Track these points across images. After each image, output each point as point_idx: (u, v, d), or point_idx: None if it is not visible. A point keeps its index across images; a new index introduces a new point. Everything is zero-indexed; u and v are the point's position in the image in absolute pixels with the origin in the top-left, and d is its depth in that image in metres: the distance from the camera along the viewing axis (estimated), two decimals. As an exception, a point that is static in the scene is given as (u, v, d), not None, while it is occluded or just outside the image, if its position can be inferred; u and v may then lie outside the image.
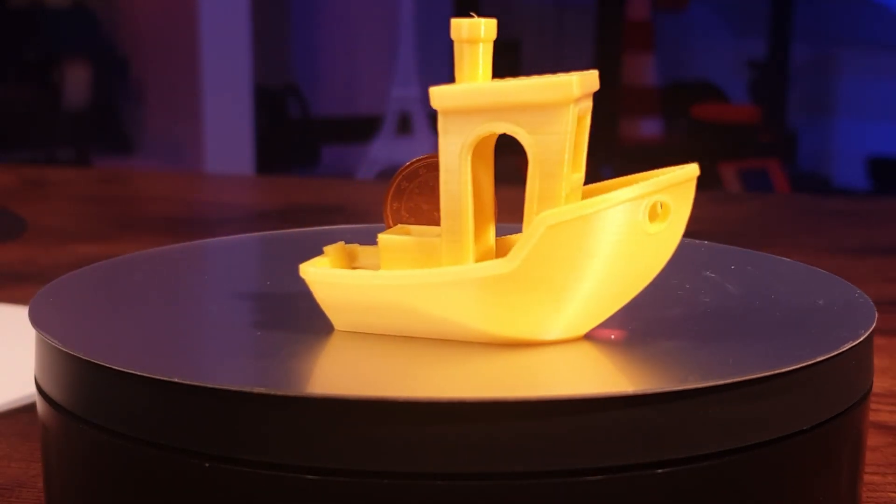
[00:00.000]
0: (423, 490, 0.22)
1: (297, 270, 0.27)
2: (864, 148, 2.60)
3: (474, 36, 0.25)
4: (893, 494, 0.33)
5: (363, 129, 2.59)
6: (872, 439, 0.36)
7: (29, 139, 2.28)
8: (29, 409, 0.38)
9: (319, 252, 0.33)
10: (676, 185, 0.25)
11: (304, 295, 0.29)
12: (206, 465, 0.22)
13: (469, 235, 0.26)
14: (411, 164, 0.28)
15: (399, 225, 0.28)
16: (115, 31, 2.53)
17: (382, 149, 2.50)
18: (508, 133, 0.25)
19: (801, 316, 0.28)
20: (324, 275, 0.26)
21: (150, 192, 0.92)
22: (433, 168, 0.28)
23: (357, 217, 0.75)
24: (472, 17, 0.25)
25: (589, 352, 0.25)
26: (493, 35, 0.25)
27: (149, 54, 2.48)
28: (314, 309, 0.28)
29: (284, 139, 2.71)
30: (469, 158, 0.25)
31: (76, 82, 2.37)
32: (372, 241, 0.32)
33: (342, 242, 0.29)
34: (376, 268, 0.28)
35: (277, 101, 2.72)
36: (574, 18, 2.74)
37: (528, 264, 0.25)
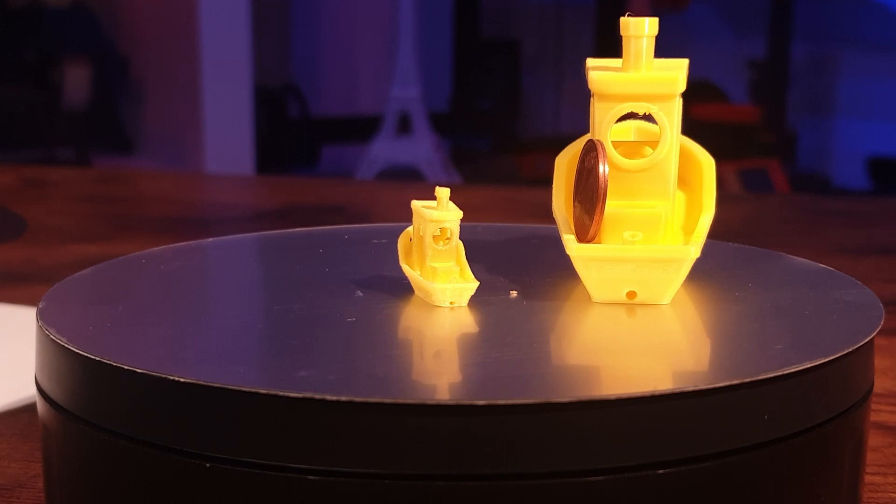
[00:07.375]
0: (424, 490, 0.22)
1: (296, 270, 0.27)
2: (864, 148, 2.60)
3: (639, 32, 0.29)
4: (894, 495, 0.33)
5: (363, 129, 2.59)
6: (873, 440, 0.36)
7: (29, 139, 2.28)
8: (29, 409, 0.38)
9: (318, 252, 0.33)
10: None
11: (302, 294, 0.29)
12: (207, 465, 0.22)
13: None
14: (585, 154, 0.29)
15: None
16: (115, 31, 2.53)
17: (382, 149, 2.50)
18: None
19: (803, 315, 0.28)
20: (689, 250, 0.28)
21: (150, 192, 0.92)
22: (591, 150, 0.29)
23: (357, 217, 0.75)
24: (626, 15, 0.29)
25: (586, 351, 0.25)
26: (655, 31, 0.29)
27: (149, 54, 2.48)
28: (313, 308, 0.28)
29: (284, 139, 2.71)
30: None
31: (76, 82, 2.37)
32: (373, 241, 0.32)
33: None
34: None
35: (277, 101, 2.72)
36: (574, 18, 2.74)
37: None
